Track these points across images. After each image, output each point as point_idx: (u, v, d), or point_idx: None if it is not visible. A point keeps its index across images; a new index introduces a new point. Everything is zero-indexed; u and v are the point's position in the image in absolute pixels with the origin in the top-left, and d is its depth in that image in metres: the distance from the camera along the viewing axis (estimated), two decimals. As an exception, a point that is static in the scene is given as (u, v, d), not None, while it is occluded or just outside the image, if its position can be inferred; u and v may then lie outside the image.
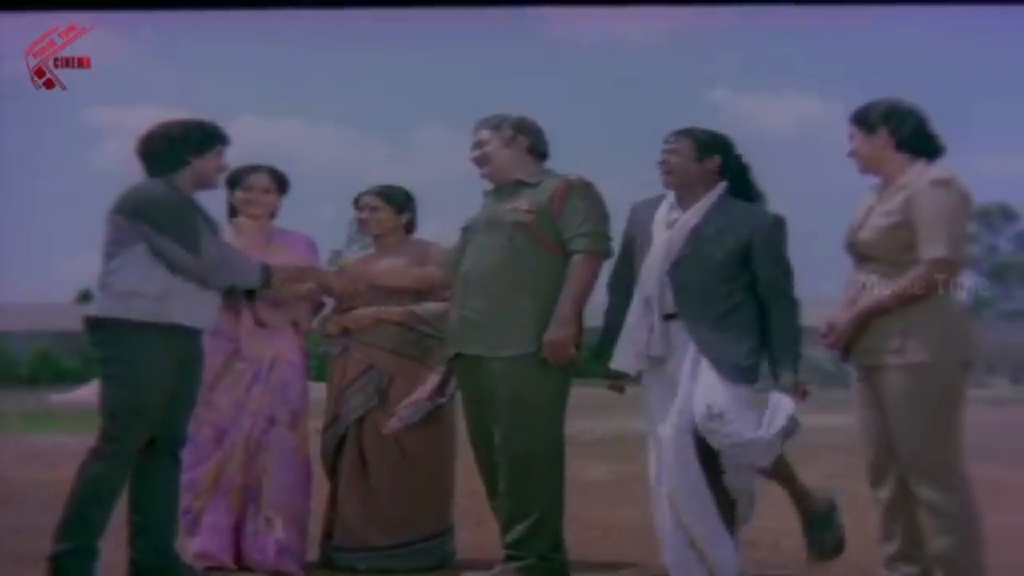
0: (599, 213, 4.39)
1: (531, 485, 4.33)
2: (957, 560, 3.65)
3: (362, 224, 5.02)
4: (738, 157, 4.32)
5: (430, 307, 4.82)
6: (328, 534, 4.88)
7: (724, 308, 4.11)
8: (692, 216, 4.21)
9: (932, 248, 3.63)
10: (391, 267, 4.90)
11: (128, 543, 4.23)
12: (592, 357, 4.48)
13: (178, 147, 4.24)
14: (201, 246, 4.14)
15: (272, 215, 4.94)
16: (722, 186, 4.25)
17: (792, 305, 4.14)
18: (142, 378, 4.09)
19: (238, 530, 4.72)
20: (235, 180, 4.87)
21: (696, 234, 4.17)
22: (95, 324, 4.14)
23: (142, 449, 4.19)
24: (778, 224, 4.20)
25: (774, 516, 4.43)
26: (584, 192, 4.39)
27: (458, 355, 4.47)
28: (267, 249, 4.82)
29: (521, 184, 4.48)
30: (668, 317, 4.16)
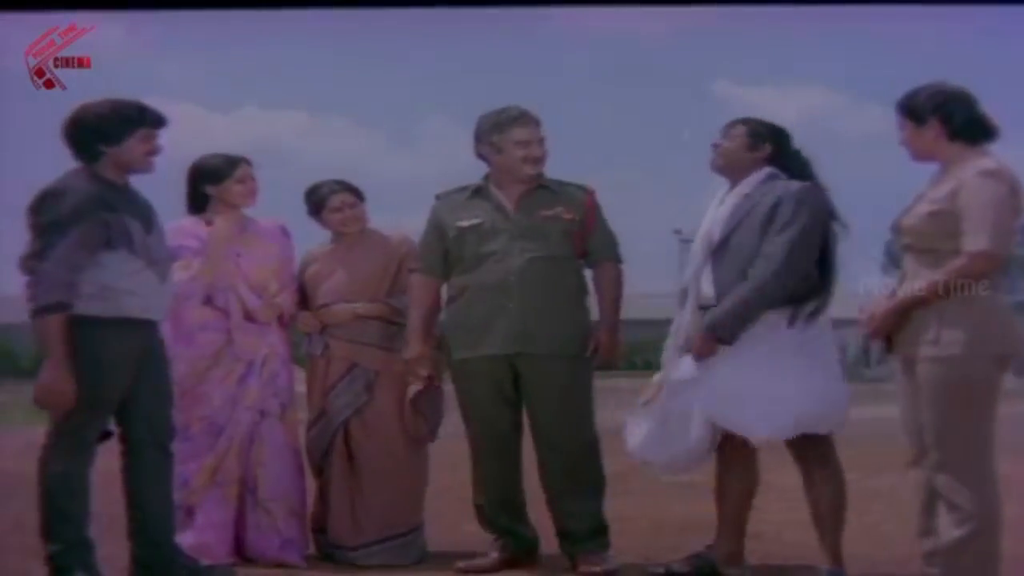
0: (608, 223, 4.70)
1: (593, 473, 4.61)
2: (965, 555, 3.62)
3: (344, 223, 4.94)
4: (795, 151, 4.37)
5: (408, 299, 4.79)
6: (319, 529, 4.90)
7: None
8: (733, 198, 4.29)
9: (975, 240, 3.55)
10: (360, 278, 4.87)
11: (128, 538, 4.24)
12: None
13: (91, 136, 4.09)
14: (48, 255, 3.94)
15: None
16: (765, 171, 4.29)
17: (763, 270, 4.08)
18: (96, 373, 4.00)
19: (238, 523, 4.73)
20: (221, 173, 4.82)
21: (734, 215, 4.23)
22: None
23: (129, 447, 4.20)
24: (805, 190, 4.19)
25: (777, 509, 4.44)
26: (598, 203, 4.68)
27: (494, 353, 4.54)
28: (242, 239, 4.82)
29: (542, 189, 4.62)
30: (703, 308, 4.22)
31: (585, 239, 4.62)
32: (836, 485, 4.22)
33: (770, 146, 4.32)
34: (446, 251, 4.64)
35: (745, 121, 4.37)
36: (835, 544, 4.20)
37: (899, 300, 3.70)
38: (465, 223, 4.61)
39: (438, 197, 4.77)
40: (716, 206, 4.33)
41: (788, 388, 4.07)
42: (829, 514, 4.20)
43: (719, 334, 4.11)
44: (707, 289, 4.22)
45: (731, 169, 4.33)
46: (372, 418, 4.79)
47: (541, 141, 4.62)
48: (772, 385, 4.07)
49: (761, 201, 4.20)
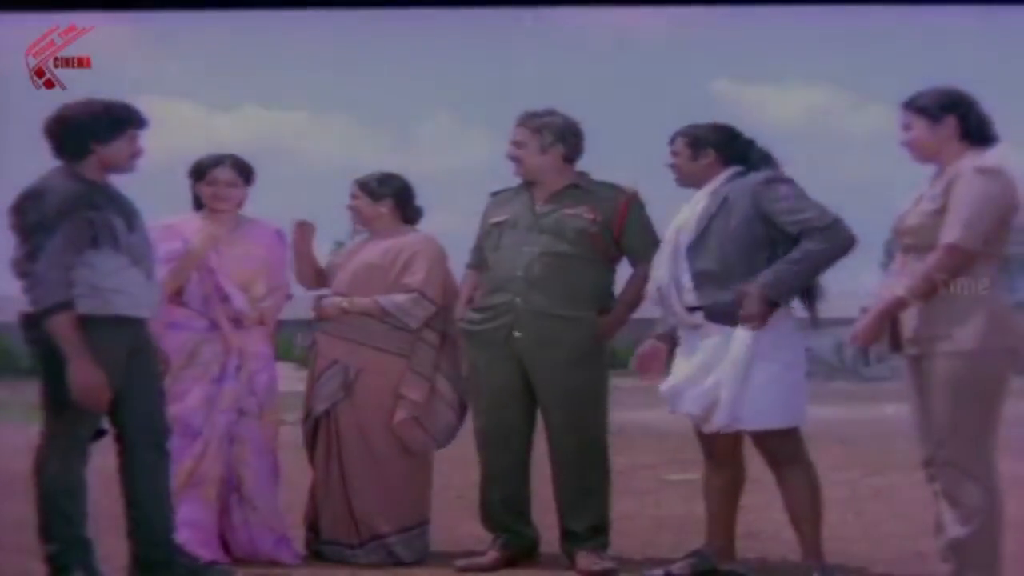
0: (652, 226, 4.66)
1: (598, 473, 4.65)
2: (969, 552, 3.63)
3: (350, 211, 5.02)
4: (747, 142, 4.40)
5: (397, 299, 4.81)
6: (312, 526, 4.90)
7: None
8: (700, 198, 4.33)
9: (948, 232, 3.58)
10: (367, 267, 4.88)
11: (127, 536, 4.25)
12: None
13: (82, 134, 4.08)
14: (39, 256, 3.93)
15: (239, 206, 4.91)
16: (730, 170, 4.33)
17: (827, 240, 4.08)
18: None
19: (221, 523, 4.72)
20: (198, 172, 4.83)
21: (705, 212, 4.27)
22: (33, 321, 4.00)
23: (125, 445, 4.20)
24: (769, 180, 4.23)
25: (775, 507, 4.44)
26: (640, 205, 4.67)
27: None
28: (230, 240, 4.81)
29: (575, 188, 4.66)
30: (690, 309, 4.25)
31: (616, 240, 4.63)
32: (809, 484, 4.25)
33: (713, 150, 4.36)
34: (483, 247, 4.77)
35: (683, 133, 4.41)
36: (815, 542, 4.23)
37: (879, 308, 3.71)
38: (495, 219, 4.71)
39: (493, 195, 4.86)
40: (691, 207, 4.35)
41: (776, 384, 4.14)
42: (805, 513, 4.23)
43: (771, 295, 4.11)
44: (687, 286, 4.24)
45: (691, 182, 4.39)
46: (351, 415, 4.78)
47: (516, 143, 4.66)
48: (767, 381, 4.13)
49: (731, 195, 4.24)
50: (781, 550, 4.84)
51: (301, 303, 5.10)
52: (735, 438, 4.36)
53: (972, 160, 3.68)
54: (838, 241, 4.10)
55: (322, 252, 5.13)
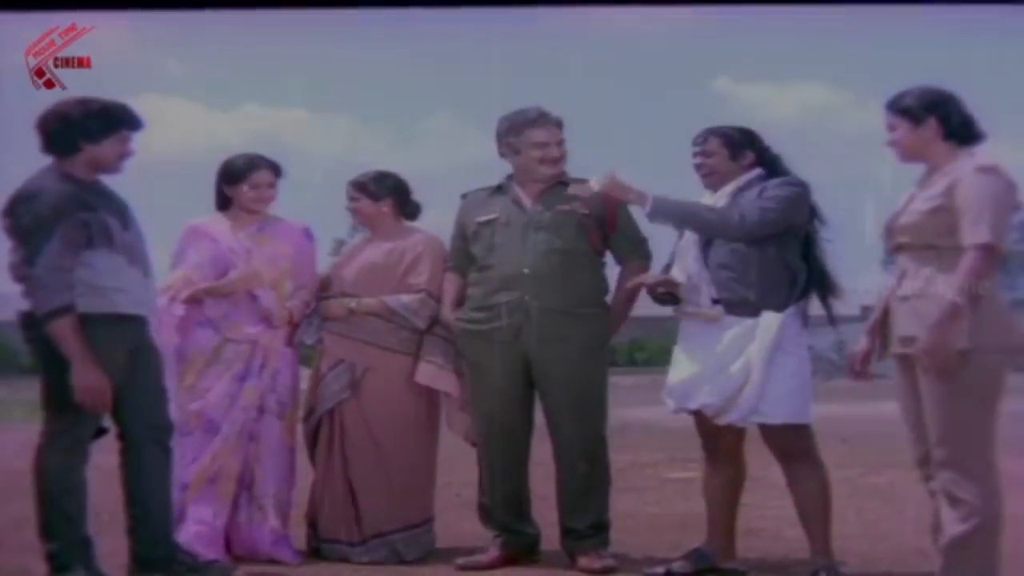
0: (635, 220, 4.69)
1: (599, 471, 4.65)
2: (967, 551, 3.62)
3: (351, 213, 5.03)
4: (768, 149, 4.45)
5: (404, 300, 4.82)
6: (313, 524, 4.90)
7: (761, 290, 4.19)
8: (721, 198, 4.35)
9: (978, 233, 3.57)
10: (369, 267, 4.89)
11: (127, 534, 4.25)
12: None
13: (73, 131, 4.08)
14: (38, 260, 3.93)
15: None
16: (755, 172, 4.38)
17: (734, 214, 4.18)
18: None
19: (228, 520, 4.72)
20: (236, 175, 4.84)
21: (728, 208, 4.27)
22: (32, 320, 4.00)
23: (127, 444, 4.21)
24: (792, 178, 4.31)
25: (776, 505, 4.45)
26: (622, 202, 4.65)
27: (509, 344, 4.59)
28: (258, 238, 4.82)
29: (562, 186, 4.67)
30: (715, 302, 4.27)
31: (607, 236, 4.65)
32: (819, 481, 4.26)
33: (752, 153, 4.39)
34: (469, 248, 4.73)
35: (717, 132, 4.41)
36: (824, 539, 4.24)
37: (942, 319, 3.58)
38: (483, 218, 4.70)
39: (463, 196, 4.86)
40: (713, 203, 4.37)
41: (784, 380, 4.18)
42: (815, 510, 4.24)
43: (654, 203, 4.25)
44: (708, 278, 4.27)
45: (721, 182, 4.39)
46: (357, 413, 4.79)
47: (560, 142, 4.69)
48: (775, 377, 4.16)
49: (750, 193, 4.28)
50: (782, 548, 4.85)
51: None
52: (738, 435, 4.37)
53: (968, 160, 3.69)
54: (729, 225, 4.20)
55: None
